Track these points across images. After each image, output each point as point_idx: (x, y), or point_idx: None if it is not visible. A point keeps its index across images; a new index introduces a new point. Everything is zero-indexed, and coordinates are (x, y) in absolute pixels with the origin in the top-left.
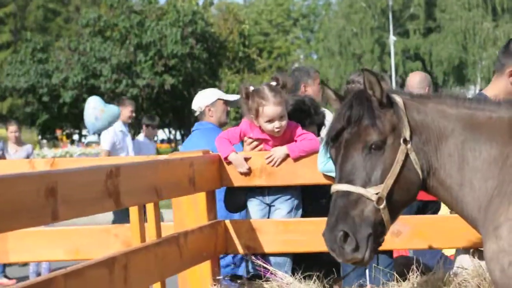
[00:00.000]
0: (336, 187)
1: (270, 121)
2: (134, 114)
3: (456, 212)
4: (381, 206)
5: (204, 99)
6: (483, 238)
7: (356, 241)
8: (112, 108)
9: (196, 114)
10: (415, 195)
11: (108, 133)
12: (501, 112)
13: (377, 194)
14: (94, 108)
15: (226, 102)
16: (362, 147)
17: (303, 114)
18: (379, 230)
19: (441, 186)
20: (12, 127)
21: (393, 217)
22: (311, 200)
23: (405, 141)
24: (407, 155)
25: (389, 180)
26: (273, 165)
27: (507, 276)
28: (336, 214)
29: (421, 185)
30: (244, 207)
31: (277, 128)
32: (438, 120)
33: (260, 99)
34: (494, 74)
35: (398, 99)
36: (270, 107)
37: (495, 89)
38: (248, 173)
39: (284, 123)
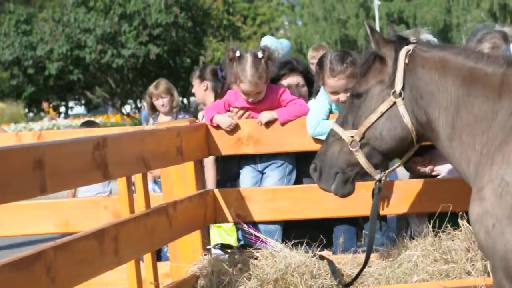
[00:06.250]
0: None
1: (245, 94)
2: None
3: (452, 165)
4: (354, 149)
5: None
6: (471, 199)
7: (321, 173)
8: (284, 42)
9: None
10: (399, 146)
11: None
12: (496, 67)
13: (351, 137)
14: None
15: None
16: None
17: (282, 64)
18: (355, 170)
19: (438, 138)
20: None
21: (375, 162)
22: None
23: (394, 93)
24: (393, 107)
25: (362, 127)
26: (261, 125)
27: (492, 238)
28: (320, 149)
29: (410, 138)
30: (237, 176)
31: (251, 99)
32: (440, 73)
33: (239, 71)
34: None
35: (403, 52)
36: (246, 85)
37: None
38: (234, 126)
39: (260, 95)
